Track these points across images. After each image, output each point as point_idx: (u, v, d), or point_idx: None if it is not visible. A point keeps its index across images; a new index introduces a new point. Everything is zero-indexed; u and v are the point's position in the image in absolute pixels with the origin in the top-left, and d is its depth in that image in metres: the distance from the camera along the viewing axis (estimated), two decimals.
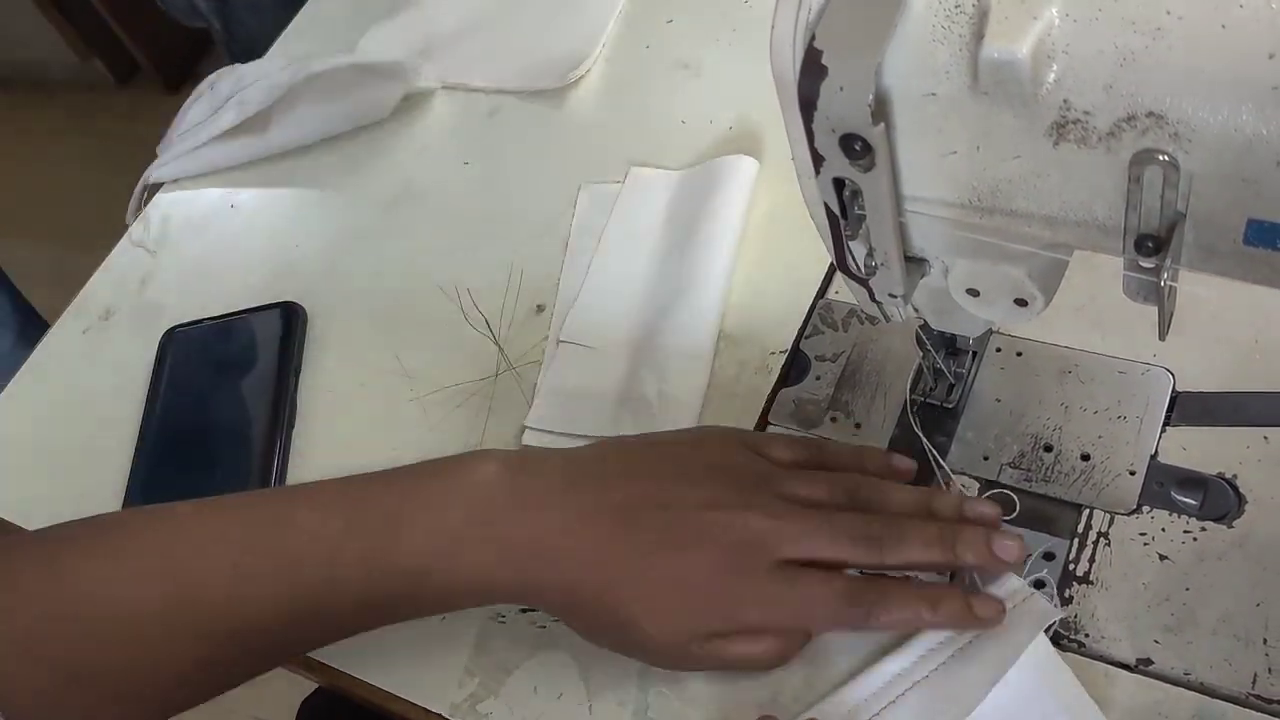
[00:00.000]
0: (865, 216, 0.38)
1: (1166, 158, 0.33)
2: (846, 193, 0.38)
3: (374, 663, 0.57)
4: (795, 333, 0.62)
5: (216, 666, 0.50)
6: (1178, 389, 0.55)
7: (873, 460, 0.54)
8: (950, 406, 0.56)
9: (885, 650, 0.50)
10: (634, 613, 0.49)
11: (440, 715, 0.55)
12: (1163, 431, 0.54)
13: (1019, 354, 0.58)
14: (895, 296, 0.42)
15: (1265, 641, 0.48)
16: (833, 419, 0.59)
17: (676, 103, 0.74)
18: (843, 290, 0.63)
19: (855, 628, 0.50)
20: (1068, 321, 0.58)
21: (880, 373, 0.59)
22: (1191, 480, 0.52)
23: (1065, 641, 0.50)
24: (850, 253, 0.41)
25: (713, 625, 0.49)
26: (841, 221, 0.39)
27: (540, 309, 0.67)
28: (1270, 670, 0.47)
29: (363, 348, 0.70)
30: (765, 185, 0.67)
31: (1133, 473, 0.53)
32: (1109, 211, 0.36)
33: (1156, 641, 0.49)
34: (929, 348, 0.55)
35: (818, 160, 0.37)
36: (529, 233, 0.71)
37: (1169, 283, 0.36)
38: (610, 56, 0.79)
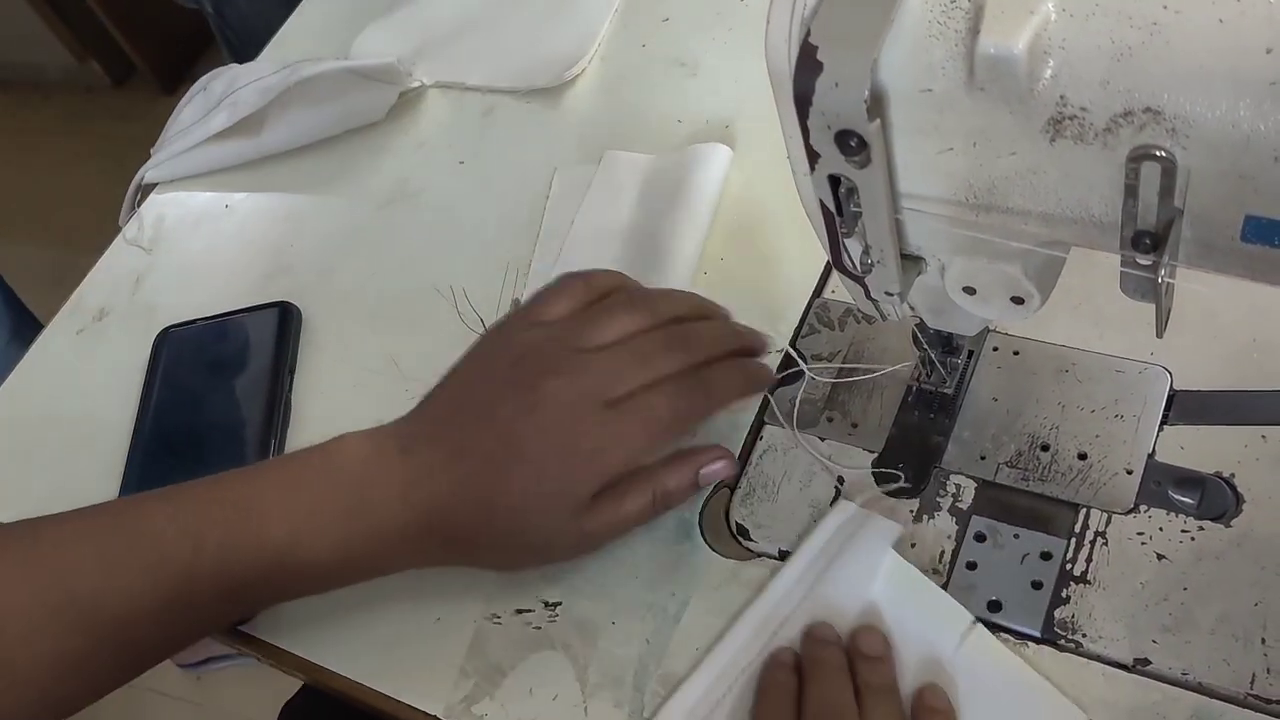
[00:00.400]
0: (861, 214, 0.38)
1: (1163, 154, 0.33)
2: (842, 190, 0.38)
3: (368, 663, 0.57)
4: (791, 332, 0.62)
5: (91, 661, 0.50)
6: (1175, 387, 0.55)
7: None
8: (948, 392, 0.56)
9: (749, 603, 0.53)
10: (512, 524, 0.52)
11: (435, 716, 0.55)
12: (1160, 430, 0.54)
13: (1016, 353, 0.58)
14: (892, 295, 0.42)
15: (1264, 641, 0.47)
16: (829, 419, 0.58)
17: (672, 101, 0.74)
18: (839, 289, 0.63)
19: (700, 417, 0.55)
20: (1065, 320, 0.58)
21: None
22: (1189, 479, 0.52)
23: (1063, 641, 0.49)
24: (846, 250, 0.41)
25: (576, 494, 0.51)
26: (837, 219, 0.39)
27: (516, 303, 0.67)
28: (1269, 670, 0.47)
29: (357, 347, 0.70)
30: (762, 183, 0.67)
31: (1130, 472, 0.53)
32: (1106, 208, 0.36)
33: (1154, 642, 0.48)
34: (924, 346, 0.55)
35: (813, 157, 0.37)
36: (523, 231, 0.71)
37: (1166, 280, 0.36)
38: (606, 55, 0.79)
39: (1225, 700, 0.47)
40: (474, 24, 0.82)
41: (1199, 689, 0.47)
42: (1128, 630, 0.49)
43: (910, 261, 0.42)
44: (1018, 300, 0.42)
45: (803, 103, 0.35)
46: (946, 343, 0.55)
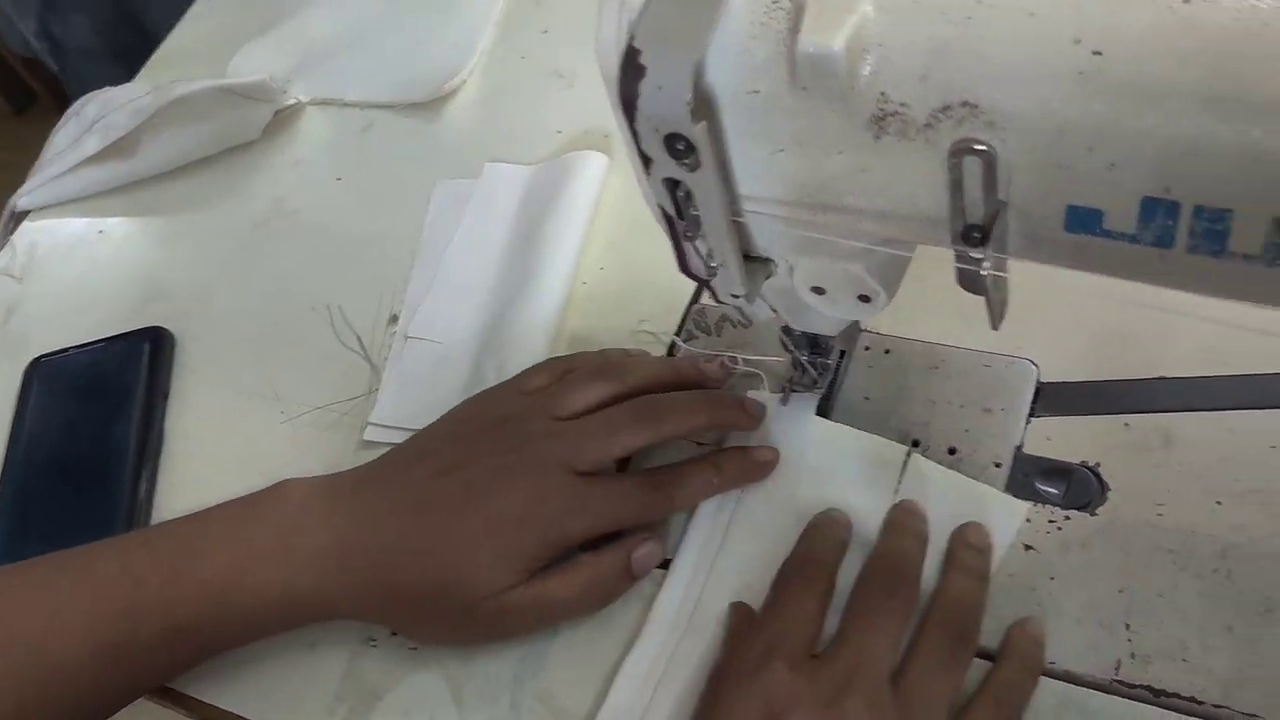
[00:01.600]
0: (699, 217, 0.38)
1: (984, 147, 0.33)
2: (680, 193, 0.38)
3: (241, 691, 0.56)
4: (670, 337, 0.62)
5: (36, 714, 0.49)
6: (1041, 380, 0.55)
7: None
8: (821, 392, 0.56)
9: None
10: (448, 575, 0.50)
11: None
12: (1028, 423, 0.54)
13: (887, 351, 0.58)
14: (738, 297, 0.42)
15: (1128, 627, 0.48)
16: None
17: (551, 111, 0.73)
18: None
19: (661, 513, 0.54)
20: (934, 317, 0.58)
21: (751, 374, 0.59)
22: (1055, 470, 0.53)
23: None
24: (693, 253, 0.41)
25: (528, 554, 0.50)
26: (678, 223, 0.39)
27: (394, 319, 0.67)
28: (1134, 656, 0.47)
29: (233, 371, 0.68)
30: (636, 195, 0.67)
31: (999, 465, 0.53)
32: (934, 204, 0.36)
33: None
34: (791, 348, 0.55)
35: (646, 161, 0.36)
36: (402, 246, 0.70)
37: (992, 272, 0.36)
38: (486, 68, 0.78)
39: (1090, 687, 0.47)
40: (352, 40, 0.81)
41: (1065, 677, 0.47)
42: (992, 619, 0.49)
43: (758, 264, 0.42)
44: (864, 298, 0.42)
45: (629, 107, 0.34)
46: (814, 344, 0.55)
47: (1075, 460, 0.53)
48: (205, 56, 0.85)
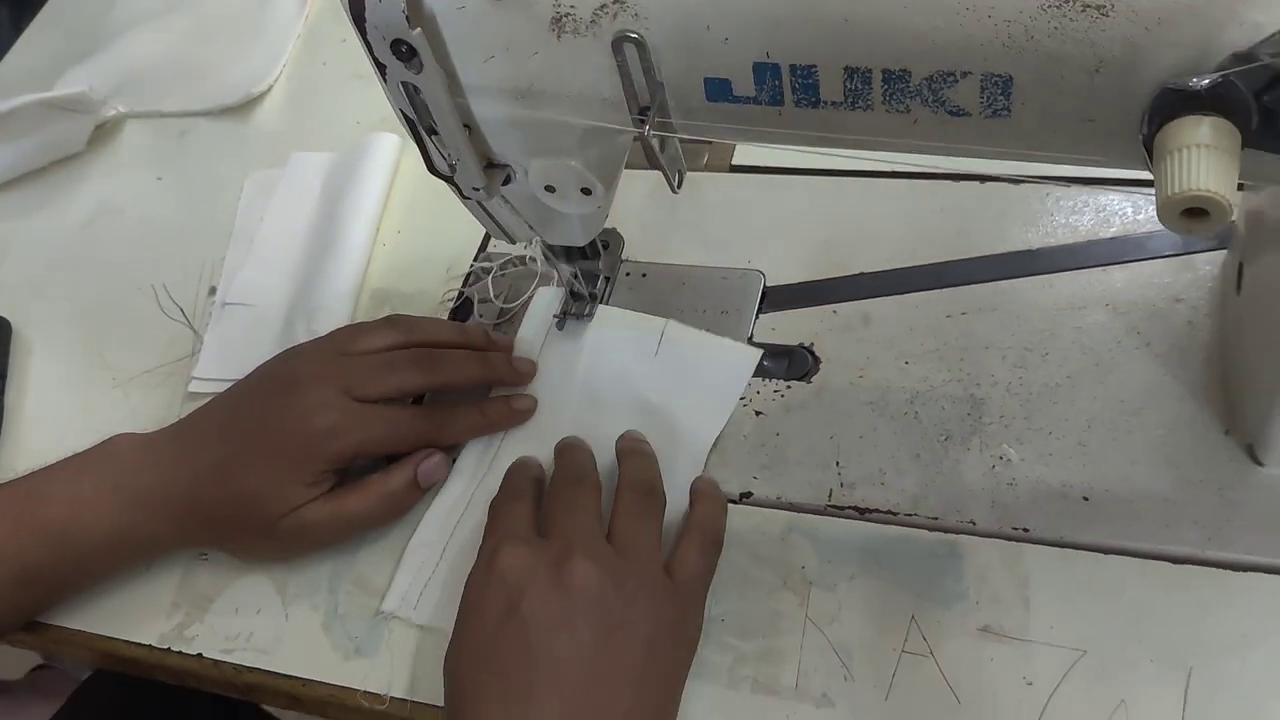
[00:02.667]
0: (432, 116, 0.47)
1: (636, 36, 0.43)
2: (415, 96, 0.47)
3: (85, 612, 0.61)
4: (460, 282, 0.71)
5: None
6: (768, 285, 0.66)
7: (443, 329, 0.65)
8: (589, 319, 0.66)
9: None
10: (245, 496, 0.57)
11: (150, 645, 0.60)
12: (756, 319, 0.64)
13: (644, 275, 0.68)
14: (479, 189, 0.51)
15: (837, 464, 0.58)
16: None
17: (351, 107, 0.82)
18: (501, 244, 0.72)
19: (430, 441, 0.61)
20: (682, 245, 0.69)
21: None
22: (779, 351, 0.63)
23: None
24: (435, 152, 0.49)
25: (307, 468, 0.57)
26: (419, 125, 0.48)
27: (213, 290, 0.74)
28: (842, 485, 0.57)
29: (67, 349, 0.74)
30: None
31: None
32: (613, 91, 0.45)
33: (755, 478, 0.58)
34: (559, 269, 0.64)
35: (381, 69, 0.45)
36: (220, 231, 0.77)
37: (655, 135, 0.45)
38: (291, 74, 0.87)
39: (810, 512, 0.57)
40: (166, 56, 0.88)
41: (790, 507, 0.57)
42: (735, 473, 0.59)
43: (497, 169, 0.52)
44: (586, 191, 0.51)
45: (359, 19, 0.43)
46: (588, 275, 0.65)
47: (794, 343, 0.63)
48: (33, 86, 0.91)
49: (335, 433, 0.57)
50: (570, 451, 0.58)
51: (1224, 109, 0.36)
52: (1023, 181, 0.65)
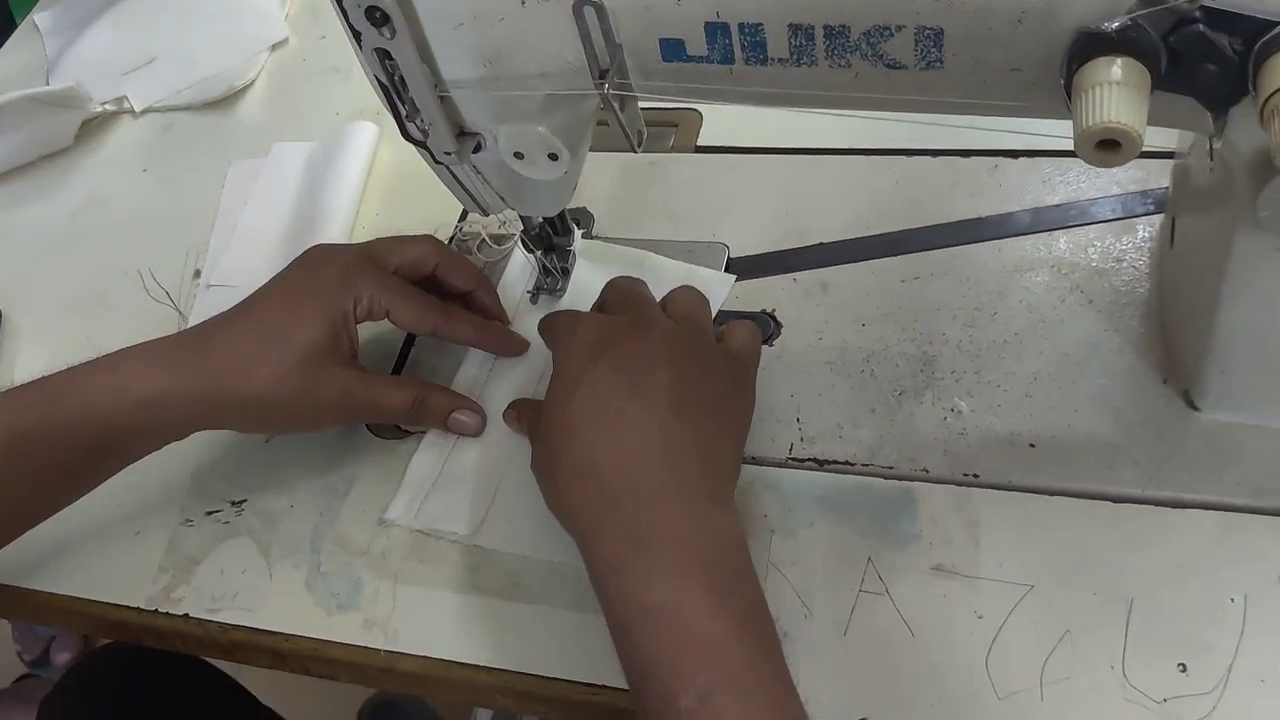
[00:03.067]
0: (405, 81, 0.50)
1: (594, 0, 0.46)
2: (389, 63, 0.49)
3: (75, 577, 0.63)
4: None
5: None
6: (732, 256, 0.68)
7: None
8: (560, 294, 0.68)
9: None
10: (278, 330, 0.59)
11: (137, 608, 0.62)
12: None
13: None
14: (450, 154, 0.54)
15: (798, 420, 0.61)
16: None
17: (331, 100, 0.85)
18: (475, 224, 0.74)
19: (427, 323, 0.63)
20: (650, 222, 0.72)
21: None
22: (742, 317, 0.65)
23: None
24: (408, 119, 0.52)
25: (306, 321, 0.59)
26: (392, 91, 0.51)
27: (198, 273, 0.77)
28: (802, 439, 0.60)
29: (56, 334, 0.77)
30: (407, 149, 0.78)
31: None
32: (575, 55, 0.48)
33: None
34: (532, 248, 0.67)
35: (357, 36, 0.48)
36: (203, 218, 0.80)
37: (615, 94, 0.48)
38: (273, 70, 0.89)
39: (773, 465, 0.59)
40: (152, 53, 0.91)
41: (754, 461, 0.60)
42: None
43: (468, 137, 0.54)
44: (553, 157, 0.54)
45: None
46: (548, 242, 0.67)
47: (758, 309, 0.66)
48: (22, 83, 0.94)
49: (351, 270, 0.60)
50: (617, 280, 0.61)
51: (1134, 50, 0.39)
52: (972, 154, 0.68)
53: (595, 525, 0.51)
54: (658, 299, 0.60)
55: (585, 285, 0.68)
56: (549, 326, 0.61)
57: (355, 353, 0.61)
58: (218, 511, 0.64)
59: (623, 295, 0.59)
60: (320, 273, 0.61)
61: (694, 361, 0.55)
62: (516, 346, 0.67)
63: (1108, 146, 0.39)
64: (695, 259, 0.69)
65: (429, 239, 0.66)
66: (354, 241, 0.75)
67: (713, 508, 0.51)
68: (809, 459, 0.59)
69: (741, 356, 0.58)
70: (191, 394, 0.59)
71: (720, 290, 0.66)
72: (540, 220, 0.65)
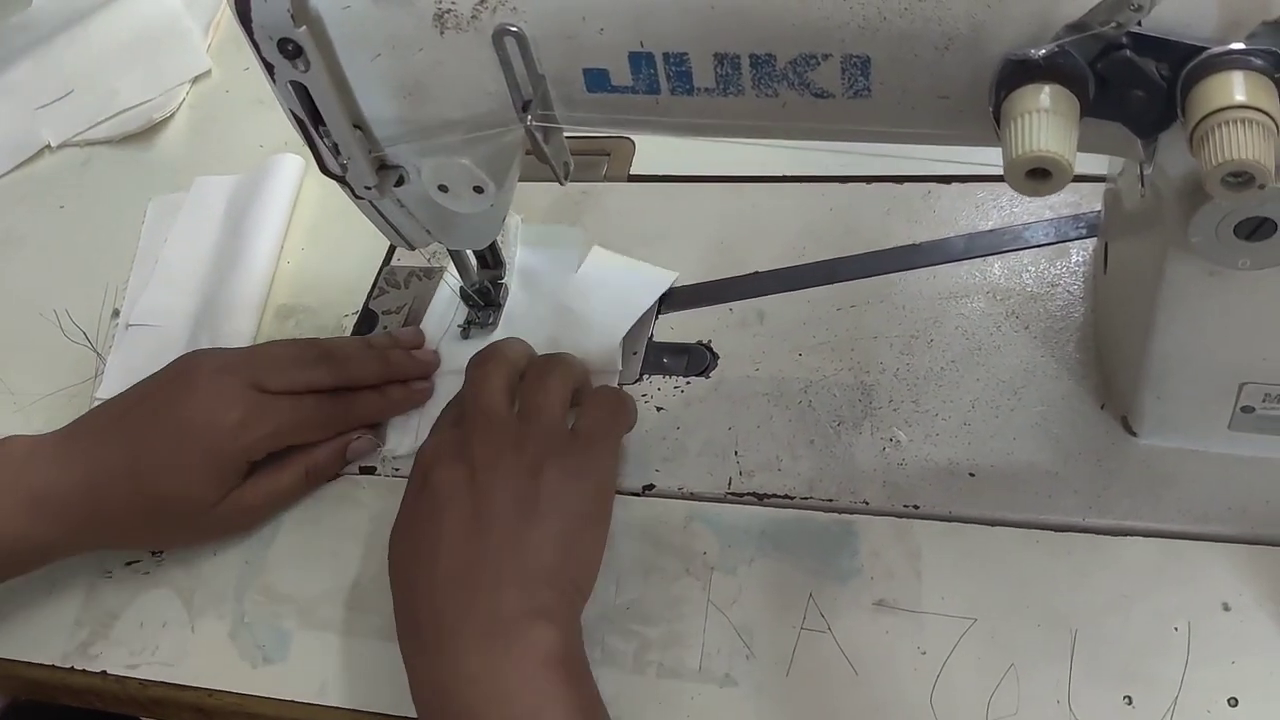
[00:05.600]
0: (321, 115, 0.48)
1: (515, 29, 0.45)
2: (304, 95, 0.48)
3: None
4: (364, 296, 0.71)
5: None
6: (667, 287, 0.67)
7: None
8: (493, 327, 0.67)
9: None
10: (157, 495, 0.57)
11: (52, 665, 0.59)
12: (656, 319, 0.66)
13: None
14: (371, 189, 0.52)
15: (736, 454, 0.59)
16: None
17: (255, 132, 0.83)
18: (404, 258, 0.73)
19: (339, 426, 0.62)
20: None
21: (432, 314, 0.69)
22: (678, 349, 0.64)
23: None
24: (326, 152, 0.50)
25: (222, 464, 0.57)
26: (309, 124, 0.49)
27: (116, 313, 0.74)
28: (741, 472, 0.59)
29: None
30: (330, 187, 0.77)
31: (636, 353, 0.65)
32: (497, 86, 0.47)
33: (657, 470, 0.60)
34: (465, 292, 0.65)
35: (269, 68, 0.46)
36: (123, 255, 0.77)
37: (539, 126, 0.47)
38: (194, 103, 0.87)
39: (711, 500, 0.58)
40: (67, 86, 0.88)
41: (691, 497, 0.58)
42: (637, 466, 0.60)
43: (390, 170, 0.53)
44: (479, 190, 0.53)
45: (244, 18, 0.44)
46: (491, 283, 0.66)
47: (693, 340, 0.65)
48: None
49: (246, 424, 0.57)
50: (495, 342, 0.61)
51: (1062, 77, 0.39)
52: (905, 180, 0.68)
53: (409, 667, 0.51)
54: (591, 300, 0.62)
55: (519, 317, 0.67)
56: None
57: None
58: (137, 562, 0.62)
59: (471, 371, 0.58)
60: (213, 420, 0.57)
61: (520, 480, 0.52)
62: (423, 367, 0.65)
63: (1038, 175, 0.38)
64: None
65: (323, 355, 0.62)
66: (273, 282, 0.73)
67: (522, 631, 0.49)
68: (748, 493, 0.58)
69: (590, 438, 0.56)
70: (60, 547, 0.58)
71: (658, 283, 0.67)
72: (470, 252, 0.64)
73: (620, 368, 0.64)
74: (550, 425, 0.55)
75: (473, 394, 0.56)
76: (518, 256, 0.69)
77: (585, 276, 0.68)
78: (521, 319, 0.67)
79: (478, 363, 0.58)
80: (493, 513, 0.51)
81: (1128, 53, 0.38)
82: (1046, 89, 0.39)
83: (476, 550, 0.50)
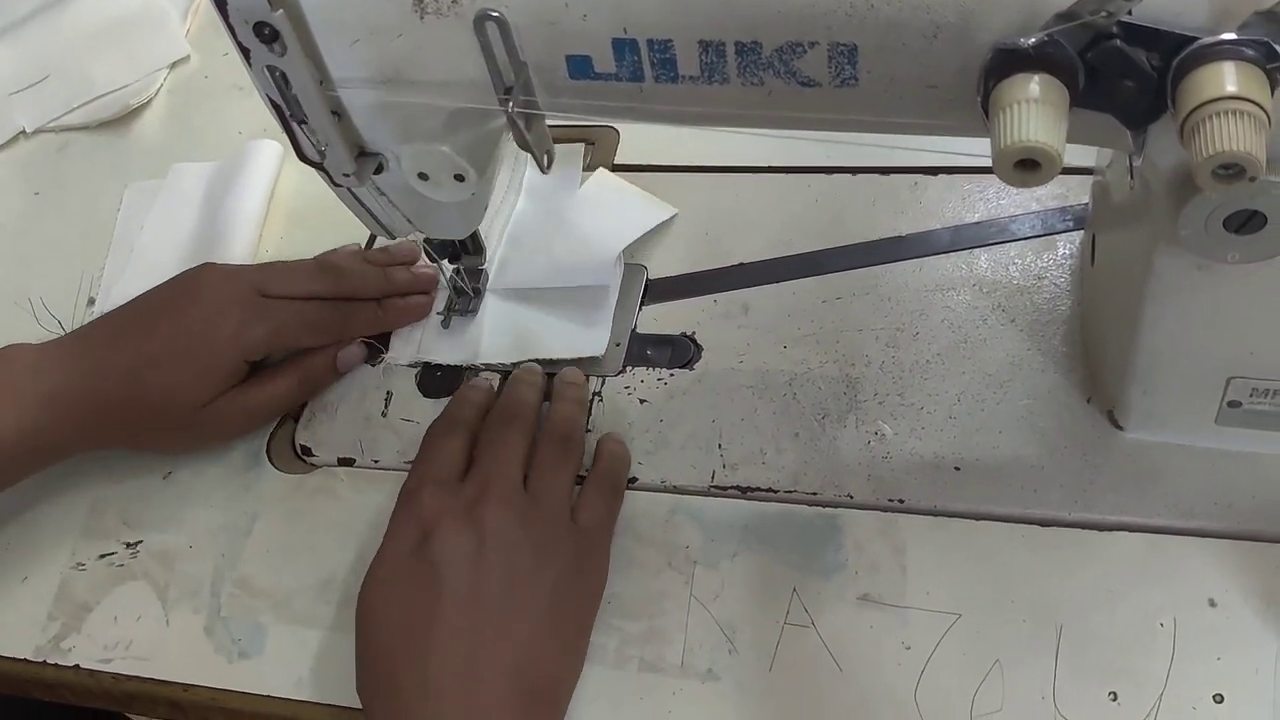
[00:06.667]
0: (300, 101, 0.47)
1: (497, 14, 0.44)
2: (280, 80, 0.47)
3: None
4: None
5: None
6: (650, 278, 0.67)
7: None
8: (473, 314, 0.66)
9: None
10: (158, 392, 0.58)
11: (25, 659, 0.58)
12: (640, 310, 0.65)
13: None
14: (349, 176, 0.51)
15: (720, 446, 0.59)
16: (377, 347, 0.67)
17: (233, 118, 0.82)
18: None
19: (337, 332, 0.63)
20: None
21: None
22: (661, 341, 0.64)
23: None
24: (304, 138, 0.49)
25: (222, 363, 0.59)
26: (285, 110, 0.48)
27: (92, 301, 0.73)
28: (724, 466, 0.58)
29: None
30: (310, 174, 0.76)
31: (619, 345, 0.64)
32: (478, 71, 0.46)
33: (640, 463, 0.59)
34: (449, 275, 0.65)
35: (245, 53, 0.45)
36: (99, 242, 0.76)
37: (520, 113, 0.46)
38: (172, 88, 0.86)
39: (694, 494, 0.58)
40: (43, 71, 0.86)
41: (674, 490, 0.58)
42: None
43: (369, 158, 0.52)
44: (459, 178, 0.52)
45: (220, 2, 0.43)
46: (470, 271, 0.65)
47: (677, 332, 0.64)
48: None
49: (245, 323, 0.59)
50: (515, 386, 0.60)
51: (1052, 67, 0.38)
52: (891, 172, 0.67)
53: (372, 712, 0.49)
54: (592, 216, 0.66)
55: (523, 229, 0.69)
56: (422, 448, 0.58)
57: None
58: (111, 554, 0.61)
59: (492, 432, 0.57)
60: (215, 321, 0.59)
61: (524, 558, 0.51)
62: (422, 283, 0.66)
63: (1027, 166, 0.38)
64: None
65: (325, 267, 0.64)
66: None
67: None
68: (732, 486, 0.57)
69: (591, 533, 0.55)
70: (73, 444, 0.58)
71: (661, 213, 0.68)
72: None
73: (613, 283, 0.65)
74: (557, 513, 0.54)
75: (494, 461, 0.55)
76: (526, 175, 0.72)
77: (588, 194, 0.70)
78: (526, 232, 0.69)
79: (502, 422, 0.58)
80: (492, 594, 0.50)
81: (1118, 42, 0.38)
82: (1036, 78, 0.38)
83: (471, 634, 0.49)
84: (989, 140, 0.39)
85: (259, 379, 0.61)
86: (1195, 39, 0.37)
